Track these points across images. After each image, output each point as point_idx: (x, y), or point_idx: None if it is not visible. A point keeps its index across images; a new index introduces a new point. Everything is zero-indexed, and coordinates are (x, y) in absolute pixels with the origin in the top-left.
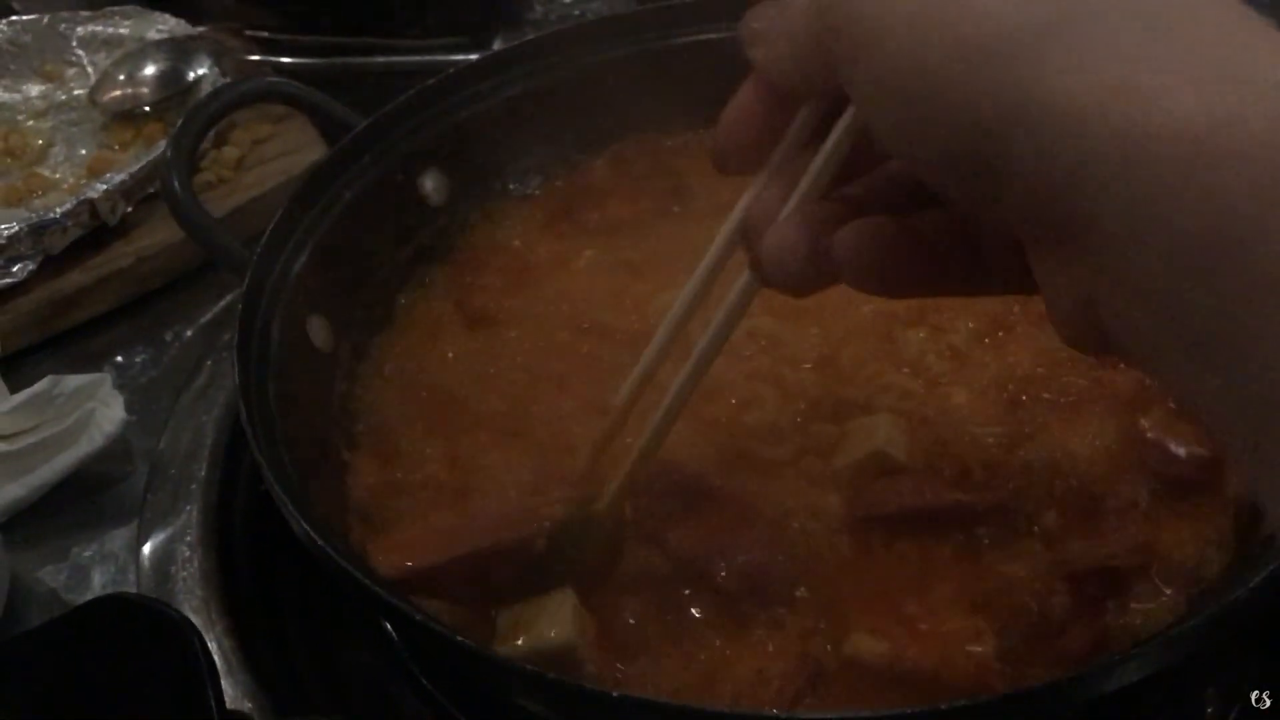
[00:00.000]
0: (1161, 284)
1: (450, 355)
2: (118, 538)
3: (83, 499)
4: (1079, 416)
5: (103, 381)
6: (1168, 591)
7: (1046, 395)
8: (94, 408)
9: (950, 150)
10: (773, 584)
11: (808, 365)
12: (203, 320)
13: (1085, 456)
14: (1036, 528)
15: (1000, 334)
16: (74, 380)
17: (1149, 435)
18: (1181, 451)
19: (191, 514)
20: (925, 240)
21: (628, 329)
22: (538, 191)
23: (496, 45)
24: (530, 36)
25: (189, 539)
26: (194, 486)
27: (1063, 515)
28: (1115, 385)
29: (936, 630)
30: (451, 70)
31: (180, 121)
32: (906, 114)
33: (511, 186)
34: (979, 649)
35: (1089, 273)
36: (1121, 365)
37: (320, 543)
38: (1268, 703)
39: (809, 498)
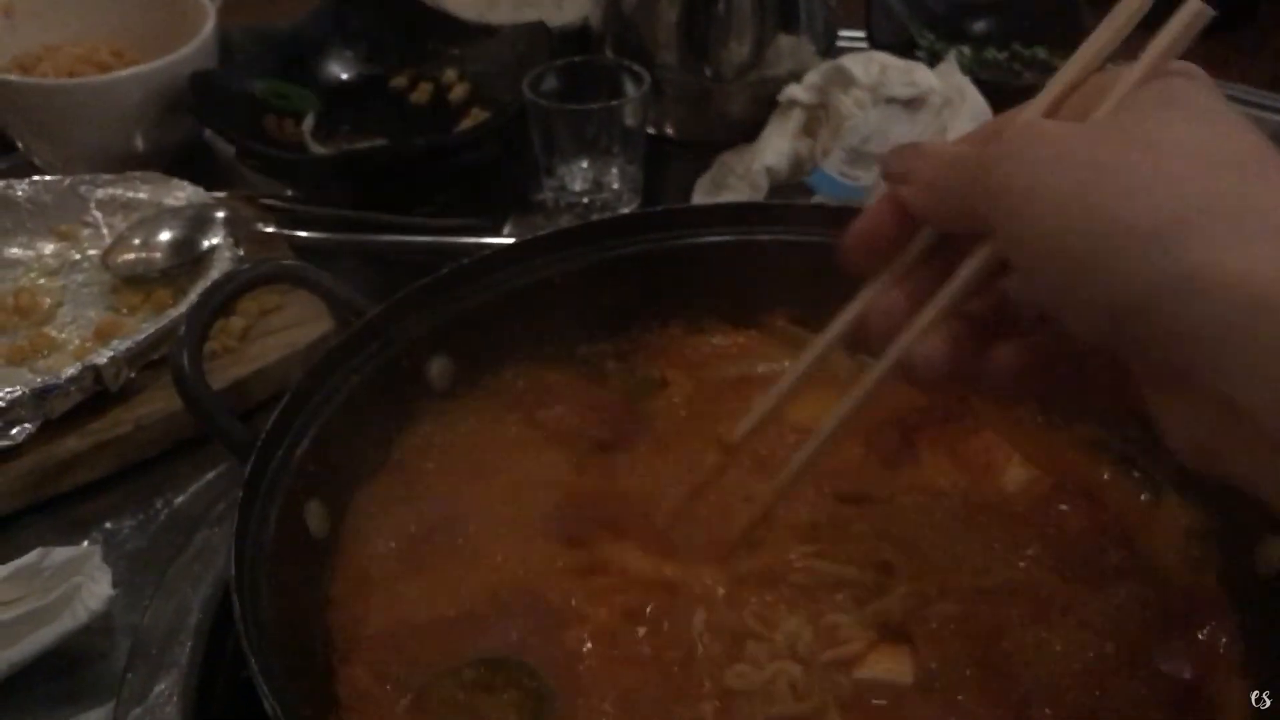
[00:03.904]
0: None
1: (434, 556)
2: (93, 718)
3: (60, 675)
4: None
5: (91, 555)
6: None
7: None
8: (81, 582)
9: (1102, 311)
10: None
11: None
12: (195, 489)
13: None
14: None
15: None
16: (63, 553)
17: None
18: (1166, 668)
19: (171, 696)
20: (1063, 363)
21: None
22: (535, 384)
23: (507, 228)
24: (539, 222)
25: None
26: (174, 668)
27: None
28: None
29: None
30: (463, 261)
31: (195, 301)
32: (1060, 278)
33: (513, 376)
34: None
35: (1214, 412)
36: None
37: None
38: (1268, 703)
39: None
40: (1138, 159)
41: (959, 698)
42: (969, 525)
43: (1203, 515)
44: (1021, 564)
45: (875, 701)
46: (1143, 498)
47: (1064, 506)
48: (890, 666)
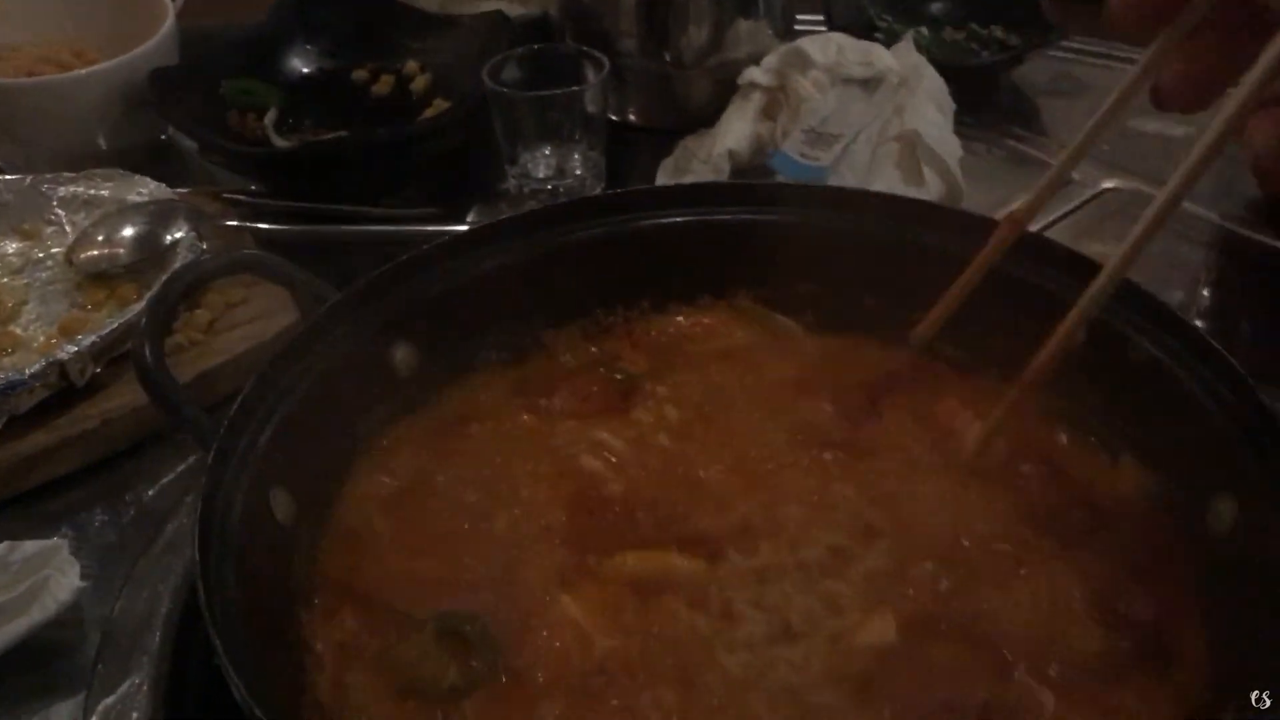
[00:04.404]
0: None
1: (406, 527)
2: (64, 710)
3: (31, 667)
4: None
5: (59, 548)
6: None
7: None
8: (49, 575)
9: None
10: None
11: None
12: (164, 482)
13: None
14: None
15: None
16: (31, 546)
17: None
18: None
19: (141, 686)
20: None
21: (577, 503)
22: (503, 367)
23: (471, 217)
24: (503, 211)
25: (137, 713)
26: (145, 657)
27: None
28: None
29: None
30: (425, 247)
31: (155, 291)
32: None
33: (478, 361)
34: None
35: None
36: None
37: None
38: (1268, 703)
39: None
40: None
41: (941, 655)
42: (940, 488)
43: (1158, 477)
44: (990, 524)
45: (864, 665)
46: (1100, 461)
47: (1025, 469)
48: (875, 629)
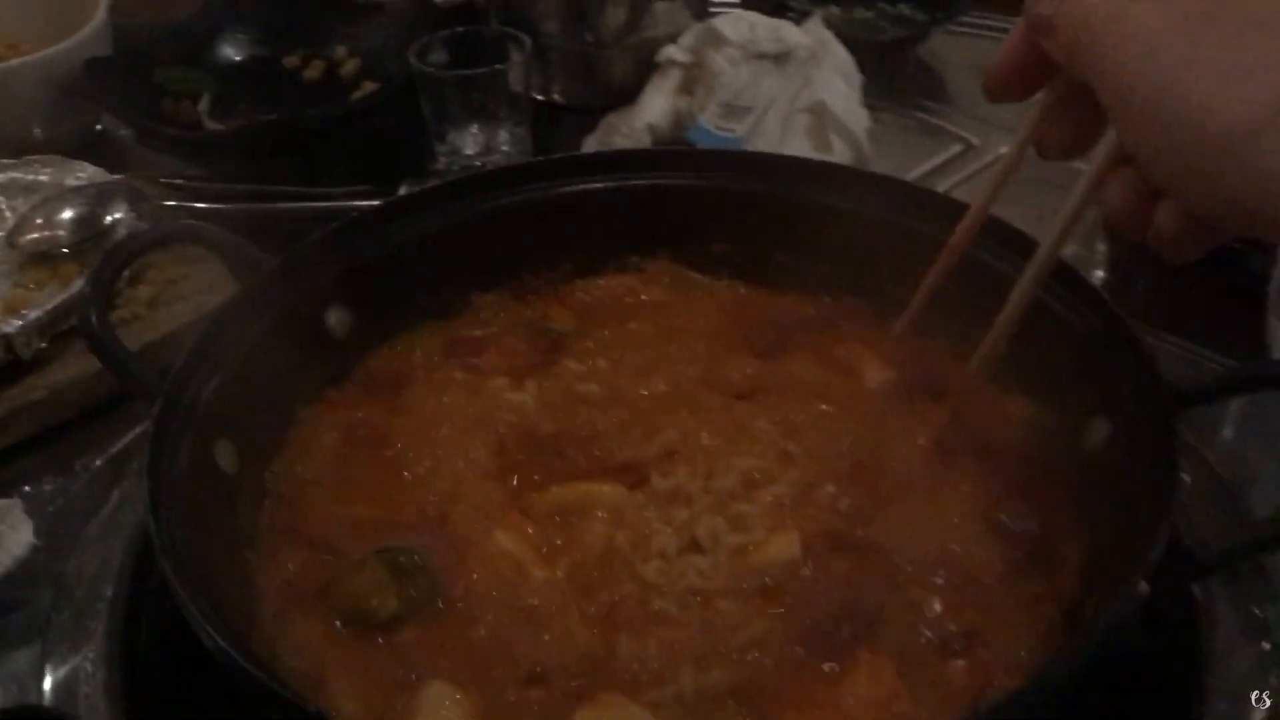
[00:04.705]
0: None
1: (344, 474)
2: (21, 658)
3: None
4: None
5: (12, 507)
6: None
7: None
8: (2, 531)
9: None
10: None
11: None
12: (112, 450)
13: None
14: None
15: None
16: None
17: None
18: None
19: (97, 633)
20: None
21: (509, 447)
22: (435, 328)
23: (402, 192)
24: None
25: (93, 656)
26: (100, 606)
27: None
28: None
29: None
30: (356, 214)
31: (101, 259)
32: (1161, 170)
33: (411, 322)
34: None
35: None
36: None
37: (228, 649)
38: (1267, 703)
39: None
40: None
41: (840, 568)
42: (844, 420)
43: (1039, 405)
44: (889, 451)
45: (768, 579)
46: (988, 390)
47: (919, 401)
48: (780, 545)
